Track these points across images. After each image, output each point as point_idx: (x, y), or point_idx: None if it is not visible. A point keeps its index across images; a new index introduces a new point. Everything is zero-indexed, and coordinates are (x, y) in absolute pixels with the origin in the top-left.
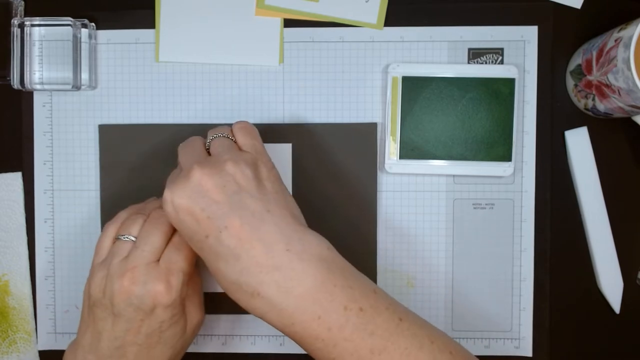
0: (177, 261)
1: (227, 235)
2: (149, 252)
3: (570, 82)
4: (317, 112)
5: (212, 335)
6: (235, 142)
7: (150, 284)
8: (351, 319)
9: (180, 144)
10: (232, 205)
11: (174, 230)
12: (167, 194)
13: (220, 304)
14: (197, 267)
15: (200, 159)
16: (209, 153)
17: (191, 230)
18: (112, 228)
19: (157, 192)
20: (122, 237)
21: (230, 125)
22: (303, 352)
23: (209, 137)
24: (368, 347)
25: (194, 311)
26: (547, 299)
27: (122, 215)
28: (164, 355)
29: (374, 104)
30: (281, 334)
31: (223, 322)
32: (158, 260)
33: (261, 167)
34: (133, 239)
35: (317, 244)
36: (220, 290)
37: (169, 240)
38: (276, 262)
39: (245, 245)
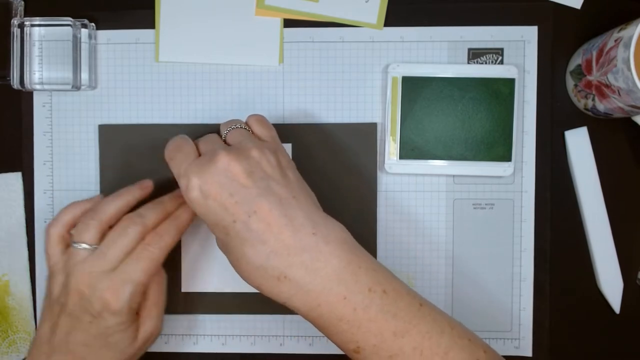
0: (132, 272)
1: (255, 220)
2: (107, 262)
3: (570, 82)
4: (317, 112)
5: (211, 335)
6: (252, 132)
7: (100, 290)
8: (375, 301)
9: (197, 140)
10: (260, 190)
11: (138, 241)
12: (194, 180)
13: (220, 304)
14: (162, 280)
15: (223, 145)
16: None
17: (218, 216)
18: (53, 231)
19: (158, 192)
20: (75, 245)
21: (240, 120)
22: (303, 352)
23: (224, 130)
24: (391, 330)
25: (149, 322)
26: (547, 299)
27: (62, 217)
28: (111, 359)
29: (374, 104)
30: (281, 334)
31: (223, 322)
32: (116, 268)
33: (281, 156)
34: (87, 247)
35: (340, 229)
36: (220, 290)
37: (131, 250)
38: (304, 245)
39: (274, 229)
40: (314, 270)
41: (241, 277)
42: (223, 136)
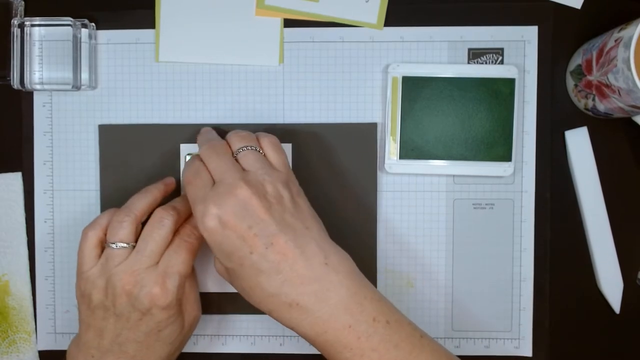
0: (175, 265)
1: (272, 252)
2: (148, 257)
3: (570, 82)
4: (317, 112)
5: (212, 335)
6: (264, 155)
7: (147, 287)
8: (379, 330)
9: (204, 146)
10: (277, 223)
11: (174, 233)
12: (213, 209)
13: (220, 304)
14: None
15: (240, 174)
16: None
17: (234, 247)
18: (92, 234)
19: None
20: (112, 246)
21: (250, 131)
22: (303, 352)
23: (237, 146)
24: (392, 359)
25: (191, 308)
26: (547, 299)
27: (101, 221)
28: (163, 351)
29: (374, 104)
30: (281, 334)
31: (223, 322)
32: (157, 262)
33: (292, 186)
34: (125, 245)
35: (347, 259)
36: (220, 290)
37: (168, 241)
38: (316, 275)
39: (289, 260)
40: (324, 299)
41: (250, 302)
42: (235, 154)
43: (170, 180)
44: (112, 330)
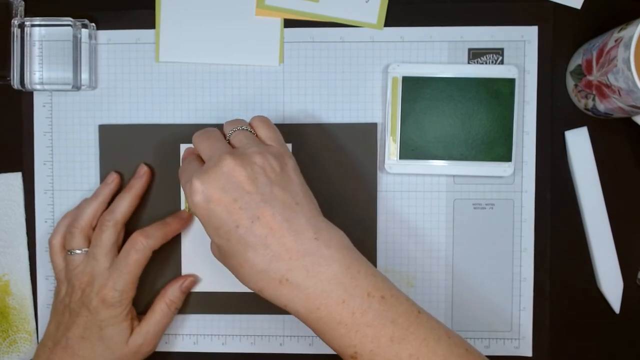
0: (123, 266)
1: (259, 225)
2: (100, 260)
3: (570, 82)
4: (317, 112)
5: (211, 335)
6: (256, 135)
7: (98, 287)
8: (373, 305)
9: (196, 134)
10: (264, 196)
11: (116, 234)
12: (198, 184)
13: (219, 304)
14: (171, 311)
15: (228, 149)
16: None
17: (220, 221)
18: (55, 242)
19: (157, 192)
20: (70, 253)
21: (244, 120)
22: (303, 352)
23: (229, 130)
24: (389, 335)
25: (139, 337)
26: (547, 299)
27: (60, 229)
28: (105, 355)
29: (374, 104)
30: (281, 334)
31: (223, 322)
32: (110, 265)
33: (286, 159)
34: (79, 252)
35: (341, 235)
36: (219, 289)
37: (119, 240)
38: (305, 249)
39: (277, 234)
40: (314, 273)
41: (241, 281)
42: (227, 136)
43: (112, 177)
44: (65, 324)
